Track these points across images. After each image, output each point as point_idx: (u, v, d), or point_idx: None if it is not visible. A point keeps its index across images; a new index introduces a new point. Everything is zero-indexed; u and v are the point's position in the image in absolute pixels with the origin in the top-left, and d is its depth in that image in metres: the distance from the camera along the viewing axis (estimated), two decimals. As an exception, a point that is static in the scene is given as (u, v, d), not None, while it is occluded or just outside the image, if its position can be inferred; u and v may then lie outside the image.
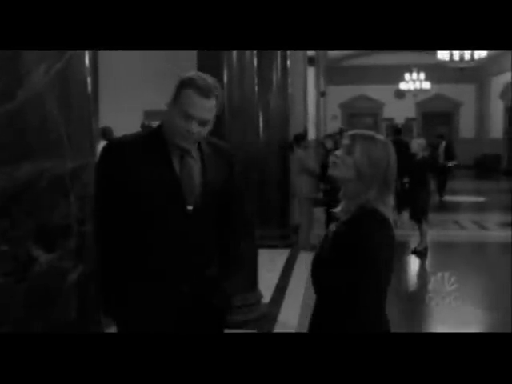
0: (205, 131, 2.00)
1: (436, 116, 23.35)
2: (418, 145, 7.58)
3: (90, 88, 1.79)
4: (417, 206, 7.35)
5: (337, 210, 2.04)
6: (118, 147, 1.99)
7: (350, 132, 1.97)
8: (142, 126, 8.95)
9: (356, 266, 1.82)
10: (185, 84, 1.95)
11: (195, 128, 1.95)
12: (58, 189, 1.55)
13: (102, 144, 8.58)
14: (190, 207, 2.00)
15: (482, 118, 22.79)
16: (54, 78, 1.51)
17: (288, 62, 7.85)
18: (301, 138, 7.72)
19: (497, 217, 10.62)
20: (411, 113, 23.62)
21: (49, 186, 1.51)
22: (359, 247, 1.82)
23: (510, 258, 6.86)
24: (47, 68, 1.49)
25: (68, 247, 1.56)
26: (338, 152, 1.96)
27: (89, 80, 1.76)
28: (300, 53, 10.55)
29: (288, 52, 7.78)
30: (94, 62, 9.92)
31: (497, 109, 21.19)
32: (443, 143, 13.82)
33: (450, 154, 13.58)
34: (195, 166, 2.04)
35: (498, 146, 20.30)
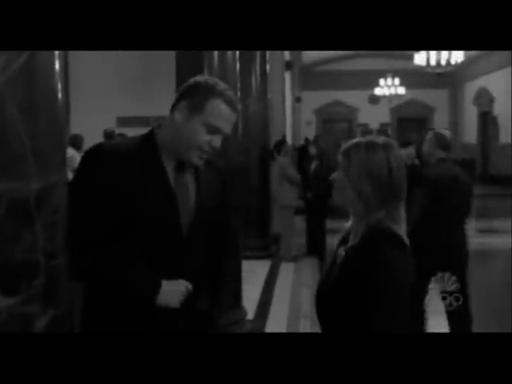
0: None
1: (410, 121, 23.44)
2: (406, 155, 7.41)
3: (60, 93, 1.49)
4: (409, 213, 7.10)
5: (345, 227, 1.80)
6: (110, 154, 1.70)
7: (344, 146, 1.72)
8: (106, 133, 8.51)
9: (370, 296, 1.57)
10: (213, 93, 1.72)
11: (219, 143, 1.73)
12: (21, 216, 1.23)
13: (70, 153, 8.24)
14: (184, 230, 1.76)
15: (455, 123, 22.97)
16: (15, 77, 1.20)
17: (267, 67, 7.61)
18: (281, 144, 7.48)
19: (477, 223, 10.54)
20: (386, 118, 23.68)
21: (8, 213, 1.19)
22: (373, 274, 1.57)
23: (494, 266, 6.74)
24: (6, 63, 1.18)
25: (34, 288, 1.24)
26: (335, 174, 1.72)
27: (60, 85, 1.47)
28: (278, 57, 10.33)
29: (267, 56, 7.55)
30: (65, 65, 9.54)
31: (470, 114, 21.37)
32: None
33: None
34: (190, 183, 1.81)
35: (472, 151, 20.44)
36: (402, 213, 1.70)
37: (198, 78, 1.80)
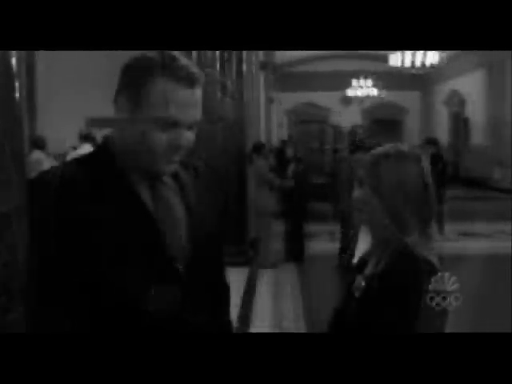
0: (193, 139, 1.29)
1: (382, 122, 23.50)
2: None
3: (18, 95, 1.21)
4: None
5: (364, 253, 1.54)
6: (60, 184, 1.23)
7: (369, 158, 1.45)
8: (81, 136, 8.08)
9: (399, 330, 1.33)
10: (152, 70, 1.22)
11: (184, 138, 1.24)
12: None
13: (35, 155, 7.77)
14: (179, 265, 1.30)
15: (427, 124, 23.11)
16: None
17: (244, 67, 7.35)
18: (261, 147, 7.22)
19: (455, 226, 10.47)
20: (358, 119, 23.68)
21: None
22: (405, 308, 1.32)
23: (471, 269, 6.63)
24: None
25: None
26: (358, 193, 1.43)
27: (17, 84, 1.20)
28: (253, 57, 10.08)
29: (244, 56, 7.29)
30: (30, 63, 9.12)
31: (442, 116, 21.51)
32: (432, 151, 9.25)
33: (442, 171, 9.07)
34: (173, 198, 1.34)
35: (444, 152, 20.54)
36: (435, 233, 1.45)
37: (138, 53, 1.29)
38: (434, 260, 1.39)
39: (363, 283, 1.45)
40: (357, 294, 1.46)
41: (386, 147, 1.45)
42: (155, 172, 1.29)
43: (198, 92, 1.25)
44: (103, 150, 1.32)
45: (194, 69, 1.26)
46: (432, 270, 1.37)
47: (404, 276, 1.35)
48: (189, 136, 1.26)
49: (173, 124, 1.23)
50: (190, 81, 1.23)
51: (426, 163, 1.43)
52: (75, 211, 1.20)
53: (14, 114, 1.19)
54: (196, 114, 1.26)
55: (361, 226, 1.49)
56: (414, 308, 1.32)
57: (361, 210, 1.44)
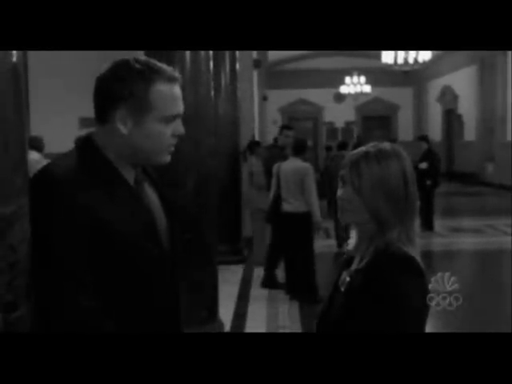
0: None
1: (375, 119, 23.58)
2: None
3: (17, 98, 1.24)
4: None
5: (349, 248, 1.57)
6: (68, 182, 1.30)
7: (350, 157, 1.48)
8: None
9: (380, 327, 1.36)
10: (151, 78, 1.36)
11: (182, 127, 1.44)
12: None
13: (32, 155, 7.74)
14: (166, 249, 1.49)
15: (420, 120, 23.18)
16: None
17: (237, 65, 7.37)
18: (255, 144, 7.23)
19: (446, 221, 10.54)
20: (351, 116, 23.72)
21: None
22: (387, 310, 1.35)
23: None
24: None
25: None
26: (342, 192, 1.47)
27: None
28: (247, 55, 10.09)
29: (237, 54, 7.31)
30: (24, 62, 9.09)
31: (435, 112, 21.58)
32: (424, 147, 9.51)
33: (432, 167, 9.23)
34: (152, 193, 1.52)
35: (437, 148, 20.62)
36: (417, 231, 1.48)
37: (112, 68, 1.40)
38: (417, 256, 1.42)
39: (348, 278, 1.49)
40: (342, 289, 1.50)
41: (367, 146, 1.47)
42: (158, 162, 1.45)
43: (179, 85, 1.44)
44: (95, 150, 1.41)
45: (170, 67, 1.44)
46: (413, 268, 1.40)
47: (381, 272, 1.38)
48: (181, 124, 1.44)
49: (174, 117, 1.41)
50: (175, 78, 1.41)
51: (407, 161, 1.46)
52: (93, 202, 1.30)
53: (20, 115, 1.21)
54: (182, 104, 1.44)
55: (346, 223, 1.52)
56: (394, 303, 1.34)
57: (344, 208, 1.47)
